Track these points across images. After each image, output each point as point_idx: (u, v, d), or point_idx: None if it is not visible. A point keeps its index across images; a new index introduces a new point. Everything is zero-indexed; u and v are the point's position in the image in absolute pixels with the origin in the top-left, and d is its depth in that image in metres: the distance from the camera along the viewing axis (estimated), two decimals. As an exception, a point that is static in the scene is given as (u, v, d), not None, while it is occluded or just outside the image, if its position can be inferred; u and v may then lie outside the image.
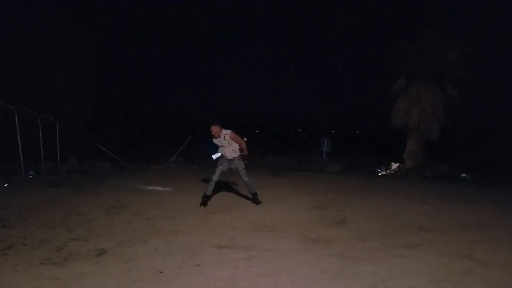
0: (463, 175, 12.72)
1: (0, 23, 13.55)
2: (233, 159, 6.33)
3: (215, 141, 6.33)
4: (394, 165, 13.51)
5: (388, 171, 13.32)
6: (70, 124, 14.04)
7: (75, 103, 14.83)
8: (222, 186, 7.63)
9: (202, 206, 6.37)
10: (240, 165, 6.39)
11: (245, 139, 6.37)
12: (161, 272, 3.53)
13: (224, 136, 6.25)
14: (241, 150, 6.35)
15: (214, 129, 6.23)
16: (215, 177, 6.36)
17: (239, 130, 6.39)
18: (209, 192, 6.46)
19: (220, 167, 6.37)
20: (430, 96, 13.10)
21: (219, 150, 6.36)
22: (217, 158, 6.44)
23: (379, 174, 13.00)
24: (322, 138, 17.34)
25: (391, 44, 14.15)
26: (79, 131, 15.02)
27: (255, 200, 6.68)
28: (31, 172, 10.03)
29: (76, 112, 14.75)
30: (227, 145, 6.24)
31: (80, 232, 4.79)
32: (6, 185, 8.08)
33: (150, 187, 8.39)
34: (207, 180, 6.62)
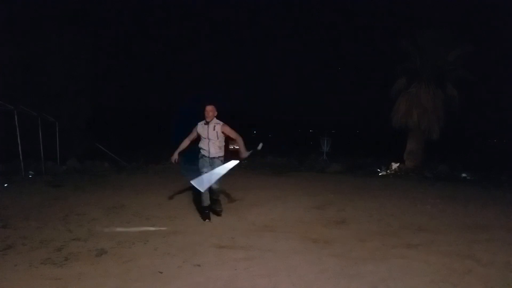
0: (463, 175, 12.71)
1: (0, 23, 13.55)
2: (217, 158, 5.36)
3: (201, 128, 5.34)
4: (394, 165, 13.51)
5: (388, 171, 13.32)
6: (70, 124, 14.05)
7: (75, 103, 14.85)
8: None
9: (207, 220, 5.46)
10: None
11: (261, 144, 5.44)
12: (161, 272, 3.53)
13: (215, 126, 5.28)
14: (228, 149, 5.49)
15: (211, 109, 5.27)
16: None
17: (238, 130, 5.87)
18: (206, 203, 5.49)
19: (204, 170, 5.32)
20: (430, 96, 13.10)
21: (201, 143, 5.38)
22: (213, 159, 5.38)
23: (379, 174, 13.00)
24: (322, 138, 17.33)
25: (391, 44, 14.17)
26: (79, 131, 15.03)
27: (216, 207, 5.64)
28: (31, 172, 10.02)
29: (76, 112, 14.76)
30: (215, 139, 5.30)
31: (80, 232, 4.79)
32: (6, 185, 8.08)
33: (150, 188, 8.39)
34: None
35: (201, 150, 5.44)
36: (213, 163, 5.35)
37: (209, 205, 5.52)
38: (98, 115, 17.77)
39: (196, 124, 5.47)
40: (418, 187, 9.46)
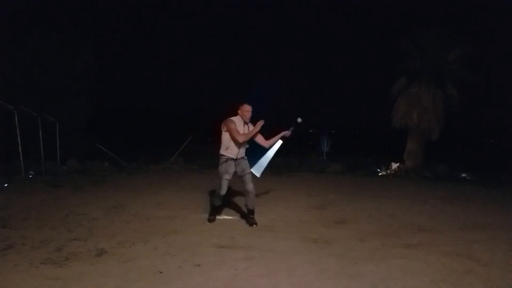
0: (463, 175, 12.71)
1: (0, 22, 13.56)
2: (242, 158, 5.08)
3: (240, 127, 4.92)
4: (394, 165, 13.51)
5: (388, 171, 13.32)
6: (70, 124, 14.05)
7: (75, 103, 14.85)
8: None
9: (211, 220, 5.34)
10: (248, 167, 5.08)
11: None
12: (161, 272, 3.53)
13: (249, 127, 5.01)
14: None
15: (250, 109, 4.91)
16: (223, 192, 5.09)
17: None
18: (218, 203, 5.33)
19: (226, 176, 4.99)
20: (430, 96, 13.10)
21: (231, 143, 4.96)
22: (226, 160, 4.98)
23: (379, 174, 13.00)
24: (322, 138, 17.32)
25: (391, 44, 14.19)
26: (79, 131, 15.03)
27: (250, 219, 5.31)
28: (31, 172, 10.02)
29: (76, 112, 14.76)
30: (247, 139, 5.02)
31: (80, 232, 4.79)
32: (6, 185, 8.08)
33: (150, 188, 8.38)
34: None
35: (226, 153, 4.98)
36: (239, 163, 5.00)
37: (218, 206, 5.39)
38: (98, 115, 17.76)
39: (231, 120, 4.93)
40: (418, 187, 9.47)
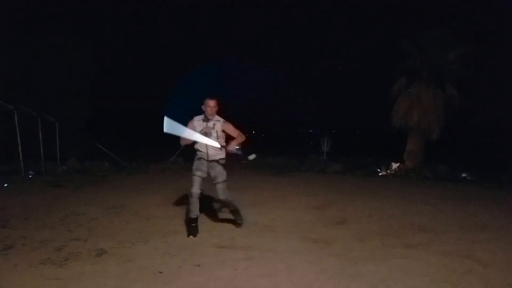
0: (463, 175, 12.71)
1: (0, 22, 13.56)
2: (216, 161, 4.63)
3: (198, 125, 4.52)
4: (394, 165, 13.51)
5: (388, 171, 13.32)
6: (70, 124, 14.06)
7: (75, 103, 14.86)
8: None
9: (191, 236, 4.63)
10: (222, 175, 4.64)
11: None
12: (161, 272, 3.53)
13: (214, 124, 4.51)
14: (225, 147, 4.59)
15: (214, 104, 4.46)
16: (195, 190, 4.59)
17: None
18: (194, 214, 4.68)
19: (198, 173, 4.60)
20: (431, 96, 13.11)
21: (198, 143, 4.57)
22: (198, 159, 4.66)
23: (379, 174, 13.00)
24: (322, 138, 17.33)
25: (391, 44, 14.21)
26: (79, 131, 15.05)
27: (235, 219, 5.06)
28: (31, 172, 10.02)
29: (76, 112, 14.78)
30: (214, 138, 4.51)
31: (80, 232, 4.79)
32: (6, 185, 8.08)
33: (150, 188, 8.38)
34: (205, 180, 4.84)
35: (198, 152, 4.66)
36: (212, 167, 4.63)
37: (196, 217, 4.74)
38: (98, 115, 17.78)
39: (191, 119, 4.62)
40: (418, 187, 9.46)
